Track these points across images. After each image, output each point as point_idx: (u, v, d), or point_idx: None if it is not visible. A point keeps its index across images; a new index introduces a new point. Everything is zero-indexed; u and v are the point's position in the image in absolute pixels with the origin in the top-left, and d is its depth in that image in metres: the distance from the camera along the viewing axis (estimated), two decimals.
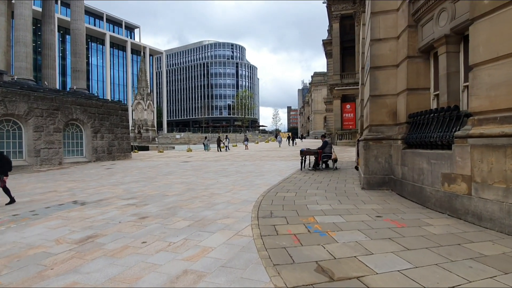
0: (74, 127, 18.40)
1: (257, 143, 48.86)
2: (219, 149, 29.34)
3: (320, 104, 66.52)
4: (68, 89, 26.31)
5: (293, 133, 68.28)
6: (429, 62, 6.34)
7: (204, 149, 31.16)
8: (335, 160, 11.27)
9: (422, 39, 6.22)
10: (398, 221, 4.46)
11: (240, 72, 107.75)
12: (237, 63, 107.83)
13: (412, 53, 6.40)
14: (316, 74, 69.95)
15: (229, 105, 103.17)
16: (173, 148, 38.30)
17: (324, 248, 3.49)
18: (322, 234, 3.97)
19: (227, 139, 31.65)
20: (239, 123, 79.37)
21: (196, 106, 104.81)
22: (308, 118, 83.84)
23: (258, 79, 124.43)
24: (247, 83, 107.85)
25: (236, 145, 41.15)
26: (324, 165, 11.32)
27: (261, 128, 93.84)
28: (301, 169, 11.51)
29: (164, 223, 4.78)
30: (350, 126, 35.24)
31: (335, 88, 35.35)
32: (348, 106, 35.62)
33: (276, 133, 66.63)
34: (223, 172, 11.66)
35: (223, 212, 5.35)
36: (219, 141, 29.67)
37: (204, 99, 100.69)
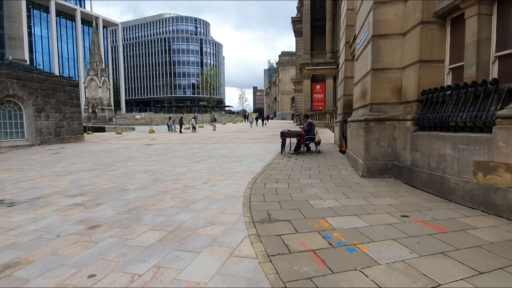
0: (12, 105, 15.52)
1: (224, 124, 47.22)
2: (181, 131, 27.39)
3: (287, 85, 65.88)
4: (1, 60, 22.35)
5: (260, 114, 67.38)
6: (445, 29, 5.40)
7: (168, 130, 29.00)
8: (318, 143, 10.36)
9: (440, 1, 5.22)
10: (434, 224, 3.53)
11: (204, 49, 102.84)
12: (201, 40, 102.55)
13: (427, 18, 5.40)
14: (283, 54, 68.70)
15: (193, 84, 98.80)
16: (133, 129, 35.39)
17: (367, 276, 2.42)
18: (351, 250, 2.90)
19: (195, 120, 29.77)
20: (204, 103, 76.44)
21: (158, 84, 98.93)
22: (275, 98, 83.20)
23: (224, 57, 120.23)
24: (212, 61, 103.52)
25: (202, 126, 39.21)
26: (305, 148, 10.37)
27: (227, 108, 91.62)
28: (282, 152, 10.47)
29: (124, 237, 3.41)
30: (320, 107, 34.97)
31: (305, 68, 34.56)
32: (318, 86, 35.18)
33: (245, 114, 65.23)
34: (194, 157, 10.23)
35: (205, 215, 4.07)
36: (181, 122, 27.62)
37: (166, 77, 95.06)
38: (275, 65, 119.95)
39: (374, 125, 6.15)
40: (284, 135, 10.22)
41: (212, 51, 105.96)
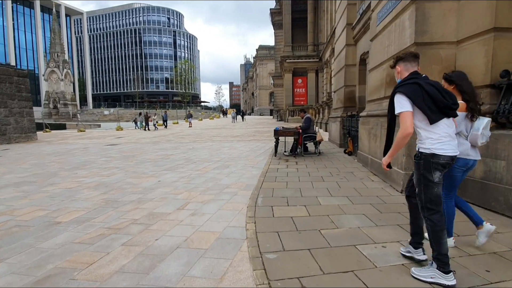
0: None
1: (201, 120, 44.74)
2: (147, 128, 24.72)
3: (265, 79, 64.20)
4: None
5: (238, 110, 65.25)
6: None
7: (137, 128, 26.26)
8: (319, 142, 8.62)
9: None
10: None
11: (178, 41, 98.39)
12: (174, 31, 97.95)
13: None
14: (261, 48, 66.79)
15: (167, 79, 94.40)
16: (99, 126, 32.11)
17: None
18: None
19: (165, 114, 27.24)
20: (179, 98, 72.92)
21: (128, 78, 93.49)
22: (253, 94, 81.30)
23: (199, 50, 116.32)
24: (186, 54, 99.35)
25: (177, 122, 36.55)
26: (303, 149, 8.59)
27: (203, 104, 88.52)
28: (275, 154, 8.63)
29: None
30: (302, 102, 33.58)
31: (286, 61, 32.94)
32: (299, 80, 33.74)
33: (223, 110, 62.73)
34: (167, 162, 8.14)
35: None
36: (147, 118, 24.73)
37: (138, 70, 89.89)
38: (251, 60, 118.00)
39: None
40: (278, 133, 8.36)
41: (186, 44, 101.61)
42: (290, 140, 9.73)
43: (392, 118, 2.37)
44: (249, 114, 63.11)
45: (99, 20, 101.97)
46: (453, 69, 4.37)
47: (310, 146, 9.17)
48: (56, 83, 44.92)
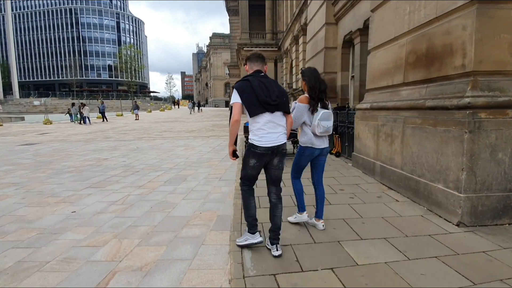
0: None
1: (150, 111, 40.81)
2: (75, 120, 21.13)
3: (220, 69, 61.47)
4: None
5: (191, 101, 61.77)
6: None
7: (71, 120, 22.33)
8: (295, 142, 6.97)
9: None
10: None
11: (122, 25, 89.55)
12: (117, 14, 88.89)
13: None
14: (215, 36, 63.50)
15: (110, 66, 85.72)
16: (22, 119, 26.98)
17: None
18: None
19: (102, 106, 23.59)
20: (124, 87, 66.68)
21: (64, 64, 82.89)
22: (207, 84, 77.69)
23: (146, 36, 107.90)
24: (132, 40, 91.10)
25: (121, 115, 32.55)
26: None
27: (152, 94, 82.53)
28: None
29: None
30: None
31: (244, 49, 30.90)
32: None
33: (174, 101, 58.55)
34: (96, 173, 5.80)
35: None
36: (80, 111, 20.77)
37: (75, 56, 79.92)
38: (204, 49, 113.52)
39: (488, 117, 2.93)
40: (245, 129, 6.48)
41: (131, 28, 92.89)
42: None
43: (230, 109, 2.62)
44: (203, 106, 59.97)
45: None
46: None
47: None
48: None
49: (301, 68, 2.50)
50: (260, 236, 2.59)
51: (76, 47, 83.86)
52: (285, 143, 2.51)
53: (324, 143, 2.93)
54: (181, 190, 4.52)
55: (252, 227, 2.57)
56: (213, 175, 5.39)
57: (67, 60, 79.35)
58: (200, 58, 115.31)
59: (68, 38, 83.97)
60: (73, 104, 22.59)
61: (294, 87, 23.90)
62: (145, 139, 11.40)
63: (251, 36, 31.43)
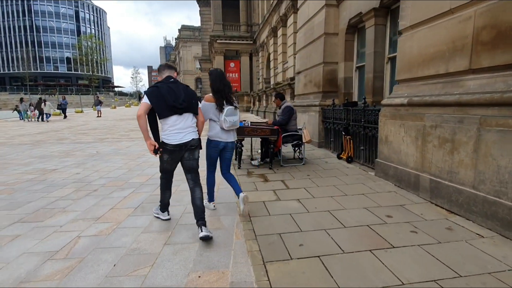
0: None
1: (114, 107, 37.76)
2: (24, 118, 18.57)
3: (190, 64, 58.83)
4: None
5: None
6: None
7: (21, 118, 19.47)
8: (297, 146, 5.72)
9: None
10: None
11: (82, 14, 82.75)
12: (76, 1, 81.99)
13: None
14: (184, 28, 60.48)
15: (68, 58, 79.02)
16: None
17: None
18: None
19: (64, 101, 21.09)
20: (85, 82, 61.81)
21: (16, 56, 75.16)
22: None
23: (109, 27, 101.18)
24: (93, 30, 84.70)
25: (81, 111, 29.50)
26: (281, 155, 5.60)
27: (117, 89, 77.55)
28: (239, 166, 5.40)
29: None
30: (235, 88, 30.45)
31: (217, 41, 29.21)
32: (232, 64, 30.50)
33: (141, 96, 54.94)
34: (35, 194, 4.13)
35: None
36: (39, 107, 18.24)
37: (27, 46, 72.50)
38: (172, 43, 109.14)
39: None
40: (244, 132, 5.09)
41: (92, 18, 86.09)
42: (256, 139, 6.66)
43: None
44: None
45: None
46: None
47: (296, 150, 6.24)
48: None
49: (209, 70, 3.25)
50: (168, 215, 3.13)
51: (29, 37, 76.22)
52: (193, 139, 2.80)
53: (230, 137, 3.21)
54: (161, 225, 3.09)
55: (163, 208, 3.12)
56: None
57: (19, 51, 71.96)
58: (168, 51, 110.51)
59: (19, 27, 75.99)
60: (21, 100, 19.67)
61: (272, 82, 22.72)
62: (108, 141, 9.59)
63: (224, 28, 29.75)
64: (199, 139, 2.88)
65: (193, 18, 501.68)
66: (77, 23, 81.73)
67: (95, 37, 63.05)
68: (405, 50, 4.14)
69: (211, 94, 3.10)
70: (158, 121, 2.77)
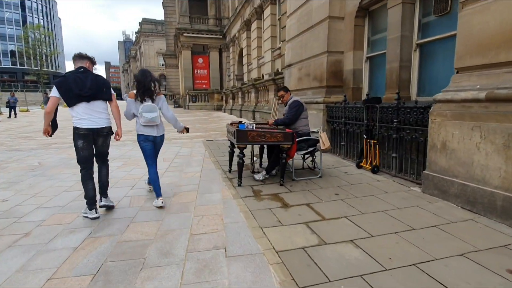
0: None
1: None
2: None
3: (153, 59, 55.47)
4: None
5: (118, 95, 54.69)
6: None
7: None
8: (311, 153, 4.50)
9: None
10: None
11: (28, 3, 74.58)
12: None
13: None
14: (146, 22, 56.74)
15: (13, 52, 70.95)
16: None
17: None
18: None
19: (14, 99, 18.38)
20: (32, 77, 55.65)
21: None
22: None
23: (60, 19, 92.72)
24: (42, 21, 76.75)
25: (27, 110, 25.89)
26: (293, 167, 4.34)
27: None
28: (240, 183, 4.03)
29: None
30: (204, 85, 28.81)
31: (184, 34, 27.27)
32: (200, 60, 28.73)
33: None
34: None
35: None
36: None
37: None
38: (132, 37, 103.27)
39: None
40: (247, 137, 3.74)
41: (41, 8, 77.92)
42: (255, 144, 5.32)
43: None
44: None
45: None
46: None
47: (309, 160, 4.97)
48: None
49: (138, 70, 3.37)
50: (96, 213, 2.95)
51: None
52: (105, 127, 3.01)
53: (152, 132, 3.29)
54: None
55: (90, 205, 2.96)
56: (203, 243, 2.60)
57: None
58: (128, 47, 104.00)
59: None
60: None
61: (245, 79, 21.39)
62: (56, 147, 7.68)
63: (191, 21, 27.85)
64: (111, 127, 3.10)
65: (150, 11, 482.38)
66: (23, 13, 73.48)
67: (44, 27, 57.04)
68: (473, 27, 3.09)
69: (133, 91, 3.22)
70: (69, 109, 2.91)
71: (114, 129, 3.21)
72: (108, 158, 3.22)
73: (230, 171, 4.73)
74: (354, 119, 5.16)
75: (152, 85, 3.17)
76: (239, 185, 3.99)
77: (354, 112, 5.12)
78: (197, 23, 28.07)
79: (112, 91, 3.09)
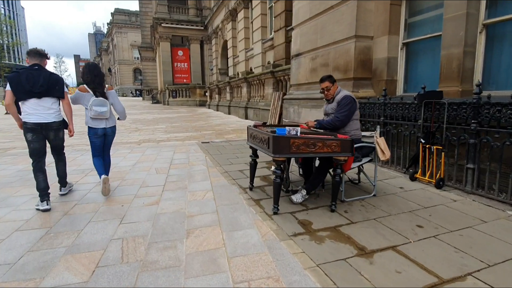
0: None
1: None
2: None
3: (127, 52, 52.49)
4: None
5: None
6: None
7: None
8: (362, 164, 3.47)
9: None
10: None
11: None
12: None
13: None
14: (118, 12, 53.29)
15: None
16: None
17: None
18: None
19: None
20: None
21: None
22: (109, 70, 65.86)
23: (23, 8, 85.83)
24: (3, 10, 70.25)
25: None
26: (343, 184, 3.27)
27: None
28: (278, 209, 2.89)
29: None
30: (184, 80, 27.20)
31: (162, 25, 25.46)
32: (180, 52, 27.06)
33: (67, 87, 46.70)
34: None
35: None
36: None
37: None
38: (103, 29, 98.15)
39: None
40: (290, 147, 2.63)
41: None
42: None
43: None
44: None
45: None
46: None
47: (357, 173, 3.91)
48: None
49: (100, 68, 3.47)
50: (47, 204, 3.00)
51: None
52: (55, 121, 3.06)
53: (101, 124, 3.33)
54: None
55: (42, 197, 3.00)
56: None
57: None
58: (99, 39, 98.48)
59: None
60: None
61: (230, 72, 20.07)
62: (12, 154, 6.12)
63: (170, 10, 26.02)
64: (61, 121, 3.17)
65: (122, 3, 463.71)
66: None
67: (4, 15, 52.26)
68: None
69: (84, 85, 3.26)
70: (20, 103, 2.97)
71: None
72: (64, 151, 3.34)
73: (251, 188, 3.58)
74: (399, 118, 4.17)
75: (101, 80, 3.30)
76: (275, 213, 2.87)
77: (401, 110, 4.13)
78: (176, 13, 26.28)
79: (66, 89, 3.15)
